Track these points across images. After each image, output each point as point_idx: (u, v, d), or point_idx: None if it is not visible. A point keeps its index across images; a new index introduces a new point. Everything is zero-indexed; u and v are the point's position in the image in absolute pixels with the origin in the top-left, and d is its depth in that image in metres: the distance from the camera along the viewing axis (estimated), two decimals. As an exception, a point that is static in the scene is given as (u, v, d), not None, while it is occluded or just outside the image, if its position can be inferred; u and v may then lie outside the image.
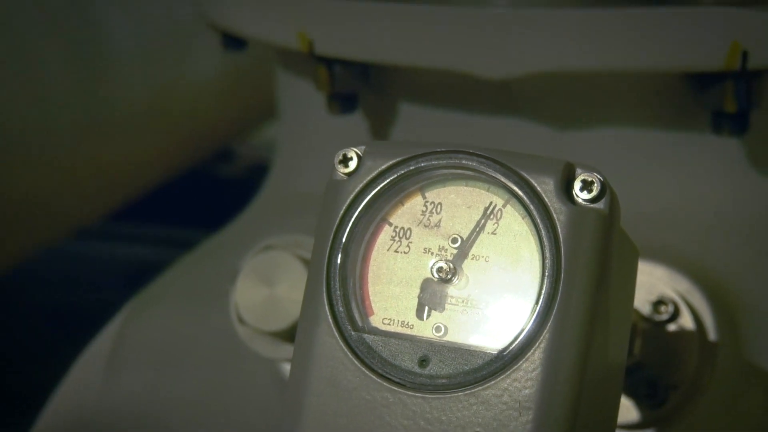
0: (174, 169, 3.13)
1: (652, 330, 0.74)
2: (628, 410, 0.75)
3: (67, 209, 2.80)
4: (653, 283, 0.75)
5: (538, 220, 0.53)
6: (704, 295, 0.76)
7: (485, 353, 0.53)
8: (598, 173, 0.52)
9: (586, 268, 0.52)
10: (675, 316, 0.75)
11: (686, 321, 0.75)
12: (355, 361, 0.54)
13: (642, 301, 0.75)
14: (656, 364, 0.74)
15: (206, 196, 3.35)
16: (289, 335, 0.73)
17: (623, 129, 0.83)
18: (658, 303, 0.75)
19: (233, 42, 0.96)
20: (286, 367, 0.79)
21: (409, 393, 0.53)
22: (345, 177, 0.57)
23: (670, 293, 0.75)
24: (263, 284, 0.73)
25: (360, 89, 0.87)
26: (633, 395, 0.74)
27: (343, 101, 0.86)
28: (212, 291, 0.85)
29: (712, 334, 0.75)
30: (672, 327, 0.75)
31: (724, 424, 0.76)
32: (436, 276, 0.55)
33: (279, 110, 1.02)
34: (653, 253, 0.76)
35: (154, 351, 0.93)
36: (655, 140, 0.83)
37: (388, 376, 0.54)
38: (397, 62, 0.83)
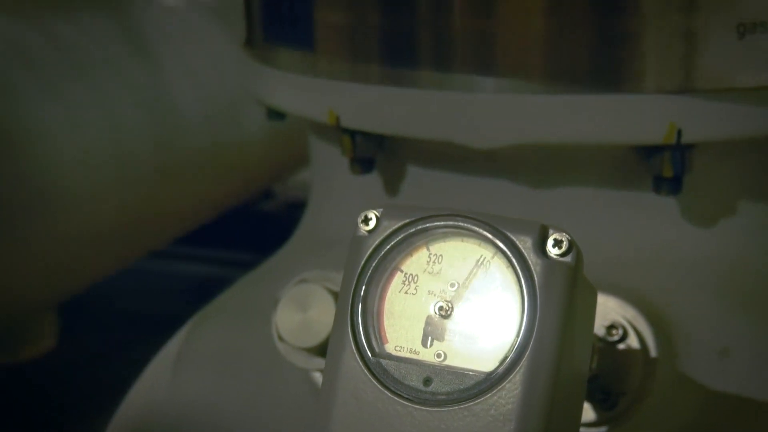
0: (228, 204, 3.14)
1: (605, 348, 0.74)
2: (586, 412, 0.73)
3: (149, 233, 2.81)
4: (607, 311, 0.75)
5: (519, 271, 0.53)
6: (646, 321, 0.76)
7: (476, 375, 0.53)
8: (567, 233, 0.53)
9: (556, 309, 0.52)
10: (624, 337, 0.75)
11: (632, 341, 0.75)
12: (373, 380, 0.54)
13: (598, 326, 0.74)
14: (609, 375, 0.74)
15: (252, 226, 3.38)
16: (318, 350, 0.73)
17: (584, 189, 0.82)
18: (611, 327, 0.75)
19: (275, 114, 0.96)
20: (316, 375, 0.80)
21: (416, 407, 0.53)
22: (366, 233, 0.57)
23: (620, 319, 0.75)
24: (298, 310, 0.74)
25: (376, 154, 0.86)
26: (590, 400, 0.73)
27: (362, 164, 0.86)
28: (258, 313, 0.85)
29: (652, 352, 0.75)
30: (621, 346, 0.75)
31: (663, 422, 0.76)
32: (438, 313, 0.55)
33: (311, 167, 1.01)
34: (607, 288, 0.75)
35: (211, 357, 0.93)
36: (609, 198, 0.82)
37: (399, 392, 0.53)
38: (406, 134, 0.83)
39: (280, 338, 0.76)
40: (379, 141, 0.85)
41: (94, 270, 2.66)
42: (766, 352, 0.79)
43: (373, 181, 0.89)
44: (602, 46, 0.76)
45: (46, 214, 2.31)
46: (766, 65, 0.76)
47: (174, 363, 0.94)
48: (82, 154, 2.38)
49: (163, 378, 0.95)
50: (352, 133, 0.84)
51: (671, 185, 0.77)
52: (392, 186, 0.89)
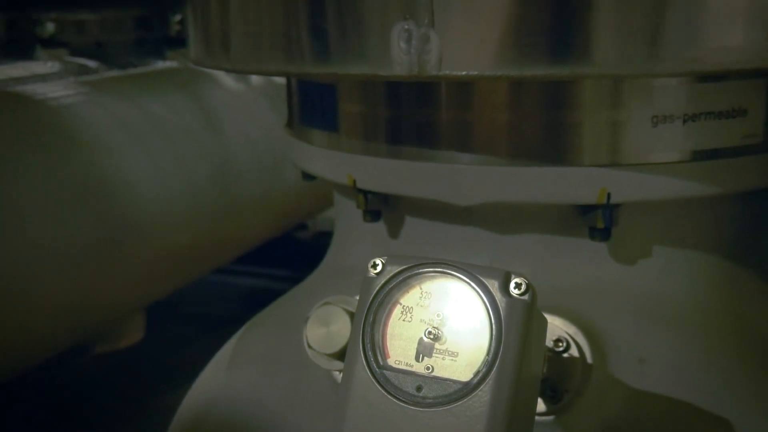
0: (272, 233, 3.14)
1: (553, 357, 0.72)
2: (538, 405, 0.72)
3: (213, 255, 2.80)
4: (554, 328, 0.73)
5: (489, 306, 0.52)
6: (584, 336, 0.74)
7: (456, 384, 0.52)
8: (525, 278, 0.52)
9: (517, 334, 0.51)
10: (567, 348, 0.73)
11: (573, 351, 0.73)
12: (378, 386, 0.53)
13: (548, 340, 0.73)
14: (556, 377, 0.72)
15: (290, 250, 3.39)
16: (337, 356, 0.71)
17: (538, 235, 0.81)
18: (557, 341, 0.73)
19: (308, 176, 0.95)
20: (335, 374, 0.78)
21: (410, 407, 0.52)
22: (374, 275, 0.56)
23: (564, 335, 0.74)
24: (323, 325, 0.72)
25: (382, 208, 0.85)
26: (541, 396, 0.72)
27: (372, 214, 0.85)
28: (293, 326, 0.83)
29: (588, 359, 0.73)
30: (565, 355, 0.73)
31: (596, 412, 0.74)
32: (427, 336, 0.54)
33: (335, 213, 1.00)
34: (555, 311, 0.74)
35: (257, 359, 0.91)
36: (557, 243, 0.81)
37: (397, 396, 0.53)
38: (404, 194, 0.82)
39: (309, 346, 0.75)
40: (384, 198, 0.84)
41: (172, 282, 2.66)
42: (672, 361, 0.77)
43: (380, 227, 0.87)
44: (551, 132, 0.75)
45: (139, 242, 2.32)
46: (673, 146, 0.75)
47: (228, 363, 0.92)
48: (165, 197, 2.39)
49: (219, 375, 0.93)
50: (365, 193, 0.83)
51: (602, 234, 0.76)
52: (394, 231, 0.87)
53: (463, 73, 0.64)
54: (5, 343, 2.05)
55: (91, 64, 2.93)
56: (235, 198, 2.67)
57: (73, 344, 2.47)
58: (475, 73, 0.65)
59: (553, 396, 0.72)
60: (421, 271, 0.55)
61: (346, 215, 0.94)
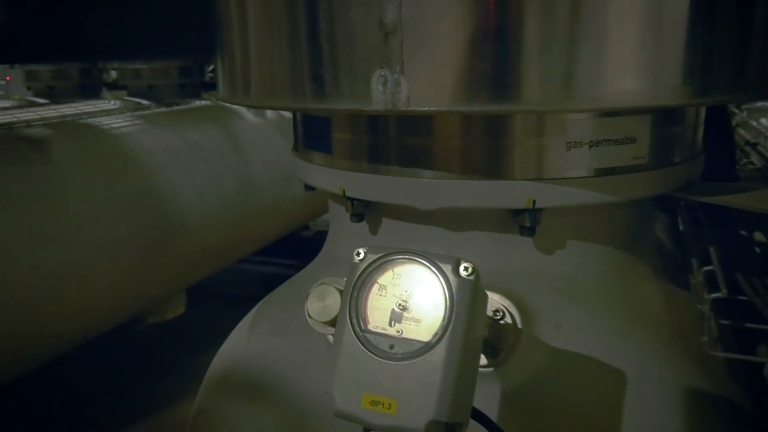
0: (283, 233, 3.11)
1: (492, 323, 0.72)
2: (481, 360, 0.71)
3: (237, 250, 2.77)
4: (493, 302, 0.72)
5: (444, 284, 0.52)
6: (516, 307, 0.74)
7: (420, 343, 0.51)
8: (471, 263, 0.51)
9: (465, 306, 0.51)
10: (503, 317, 0.72)
11: (508, 319, 0.73)
12: (361, 346, 0.52)
13: (489, 309, 0.72)
14: (494, 338, 0.72)
15: (297, 245, 3.36)
16: (331, 323, 0.70)
17: (482, 232, 0.81)
18: (496, 311, 0.72)
19: (310, 187, 0.94)
20: (329, 337, 0.76)
21: (385, 361, 0.51)
22: (358, 261, 0.55)
23: (501, 306, 0.73)
24: (320, 300, 0.71)
25: (365, 211, 0.85)
26: (483, 353, 0.71)
27: (357, 216, 0.84)
28: (298, 301, 0.81)
29: (519, 325, 0.73)
30: (502, 322, 0.72)
31: (525, 365, 0.73)
32: (398, 307, 0.53)
33: (329, 216, 0.98)
34: (495, 289, 0.73)
35: (271, 326, 0.90)
36: (496, 238, 0.80)
37: (374, 353, 0.52)
38: (382, 201, 0.82)
39: (309, 316, 0.74)
40: (366, 204, 0.84)
41: (207, 269, 2.63)
42: (580, 326, 0.77)
43: (363, 226, 0.87)
44: (492, 154, 0.75)
45: (180, 239, 2.30)
46: (582, 165, 0.75)
47: (248, 329, 0.91)
48: (201, 205, 2.37)
49: (241, 339, 0.92)
50: (352, 200, 0.83)
51: (529, 231, 0.76)
52: (374, 229, 0.87)
53: (425, 108, 0.65)
54: (83, 315, 2.04)
55: (145, 102, 2.90)
56: (254, 205, 2.65)
57: (132, 316, 2.45)
58: (435, 108, 0.65)
59: (492, 353, 0.72)
60: (393, 258, 0.54)
61: (337, 217, 0.93)
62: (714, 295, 0.77)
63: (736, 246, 1.03)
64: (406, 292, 0.53)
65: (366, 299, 0.54)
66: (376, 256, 0.54)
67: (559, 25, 0.62)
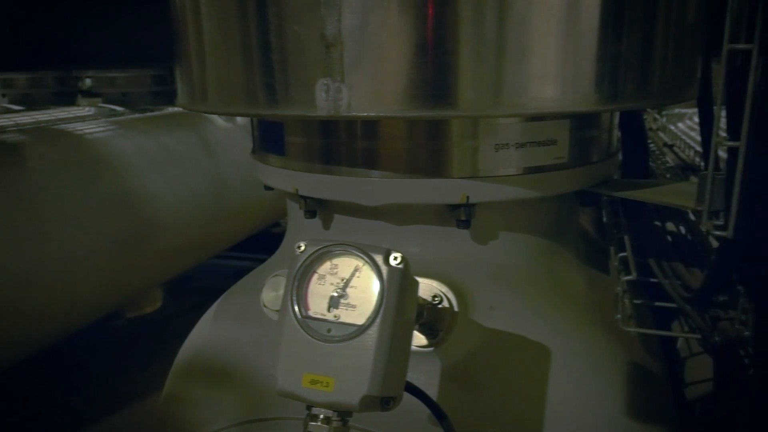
0: (254, 229, 3.08)
1: (431, 307, 0.73)
2: (421, 340, 0.73)
3: (211, 246, 2.74)
4: (432, 288, 0.74)
5: (376, 272, 0.52)
6: (453, 292, 0.75)
7: (354, 326, 0.52)
8: (401, 253, 0.52)
9: (395, 292, 0.52)
10: (441, 301, 0.74)
11: (445, 303, 0.74)
12: (301, 329, 0.53)
13: (428, 295, 0.74)
14: (433, 320, 0.73)
15: (267, 241, 3.32)
16: None
17: (424, 225, 0.82)
18: (434, 296, 0.74)
19: (268, 187, 0.93)
20: None
21: (323, 344, 0.52)
22: (299, 253, 0.56)
23: (439, 292, 0.74)
24: (273, 290, 0.72)
25: (317, 208, 0.85)
26: (423, 333, 0.73)
27: (310, 213, 0.85)
28: (256, 292, 0.82)
29: (455, 308, 0.75)
30: (440, 306, 0.74)
31: (461, 344, 0.75)
32: (336, 294, 0.54)
33: (288, 213, 0.97)
34: (434, 276, 0.75)
35: (232, 315, 0.89)
36: (436, 231, 0.81)
37: (313, 336, 0.52)
38: (332, 198, 0.82)
39: (264, 305, 0.74)
40: (319, 201, 0.84)
41: (182, 266, 2.59)
42: (511, 308, 0.79)
43: (316, 222, 0.87)
44: (432, 155, 0.77)
45: (155, 237, 2.26)
46: (509, 165, 0.77)
47: (212, 319, 0.91)
48: (175, 205, 2.33)
49: (205, 328, 0.91)
50: (305, 198, 0.83)
51: (464, 224, 0.78)
52: (327, 225, 0.87)
53: (365, 114, 0.66)
54: (64, 311, 1.99)
55: (119, 109, 2.83)
56: (226, 205, 2.62)
57: (110, 311, 2.39)
58: (374, 114, 0.66)
59: (431, 334, 0.73)
60: (331, 249, 0.55)
61: (293, 214, 0.94)
62: (626, 277, 0.80)
63: (650, 235, 1.07)
64: (343, 280, 0.54)
65: (306, 287, 0.55)
66: (314, 249, 0.55)
67: (487, 40, 0.64)
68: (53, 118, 2.43)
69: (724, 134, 0.68)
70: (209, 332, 0.90)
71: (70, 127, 2.27)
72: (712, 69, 0.84)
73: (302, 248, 0.56)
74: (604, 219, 1.13)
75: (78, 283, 1.99)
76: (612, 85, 0.69)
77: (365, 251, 0.53)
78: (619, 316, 0.81)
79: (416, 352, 0.72)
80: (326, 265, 0.55)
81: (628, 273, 0.84)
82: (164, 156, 2.38)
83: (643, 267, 0.99)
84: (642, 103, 0.75)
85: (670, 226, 1.15)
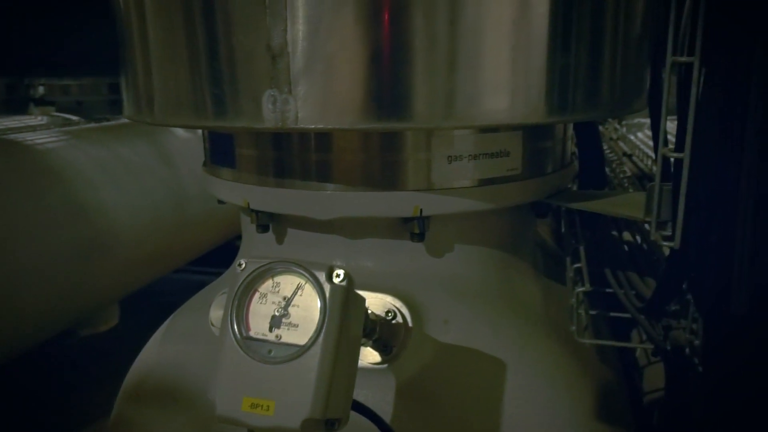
0: (216, 242, 3.02)
1: (385, 323, 0.72)
2: (374, 356, 0.72)
3: (170, 260, 2.68)
4: (386, 303, 0.73)
5: (318, 291, 0.52)
6: (407, 307, 0.75)
7: (296, 347, 0.51)
8: (344, 269, 0.51)
9: (337, 310, 0.51)
10: (395, 317, 0.73)
11: (399, 318, 0.74)
12: (241, 351, 0.52)
13: (382, 310, 0.73)
14: (387, 336, 0.72)
15: (230, 254, 3.28)
16: None
17: (378, 239, 0.81)
18: (388, 311, 0.73)
19: (220, 201, 0.91)
20: None
21: (263, 365, 0.51)
22: (239, 272, 0.54)
23: (393, 307, 0.74)
24: (221, 308, 0.69)
25: (271, 222, 0.84)
26: (376, 349, 0.72)
27: (262, 228, 0.83)
28: (205, 310, 0.80)
29: (410, 324, 0.74)
30: (393, 321, 0.73)
31: (416, 359, 0.74)
32: (277, 313, 0.53)
33: (241, 226, 0.96)
34: (388, 290, 0.74)
35: (181, 335, 0.87)
36: (390, 244, 0.81)
37: (254, 358, 0.51)
38: (284, 212, 0.81)
39: (212, 324, 0.73)
40: (271, 215, 0.83)
41: (140, 281, 2.52)
42: (466, 321, 0.79)
43: (270, 236, 0.86)
44: (383, 167, 0.76)
45: (110, 251, 2.19)
46: (463, 177, 0.77)
47: (161, 339, 0.88)
48: (131, 217, 2.27)
49: (154, 348, 0.89)
50: (256, 212, 0.82)
51: (418, 237, 0.78)
52: (280, 239, 0.86)
53: (312, 126, 0.65)
54: (10, 330, 1.91)
55: (73, 118, 2.75)
56: (187, 216, 2.56)
57: (62, 329, 2.31)
58: (322, 126, 0.65)
59: (384, 350, 0.72)
60: (272, 267, 0.54)
61: (247, 228, 0.92)
62: (579, 289, 0.81)
63: (606, 244, 1.09)
64: (285, 299, 0.53)
65: (247, 307, 0.53)
66: (255, 266, 0.54)
67: (438, 52, 0.64)
68: (2, 127, 2.34)
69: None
70: (158, 353, 0.87)
71: (19, 137, 2.20)
72: (662, 79, 0.86)
73: (243, 266, 0.54)
74: (563, 229, 1.15)
75: (26, 300, 1.91)
76: (562, 97, 0.71)
77: (307, 269, 0.52)
78: (573, 328, 0.82)
79: (369, 369, 0.71)
80: (268, 284, 0.54)
81: (583, 284, 0.85)
82: (120, 167, 2.32)
83: (600, 276, 1.00)
84: (592, 115, 0.77)
85: (626, 235, 1.17)
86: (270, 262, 0.54)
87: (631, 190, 1.45)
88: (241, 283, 0.54)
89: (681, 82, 0.70)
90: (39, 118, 2.68)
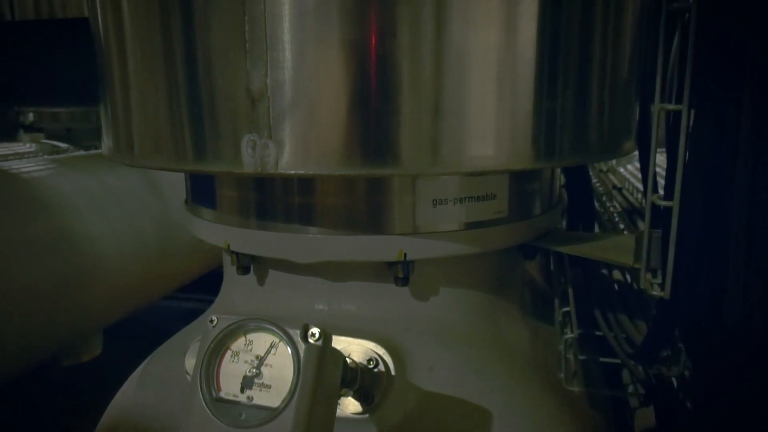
0: (202, 270, 2.98)
1: (366, 371, 0.69)
2: (355, 406, 0.69)
3: (156, 288, 2.64)
4: (368, 351, 0.71)
5: (292, 350, 0.49)
6: (390, 355, 0.72)
7: (269, 409, 0.49)
8: (320, 328, 0.49)
9: (312, 370, 0.49)
10: (377, 365, 0.71)
11: (381, 367, 0.71)
12: (210, 413, 0.49)
13: (364, 358, 0.70)
14: (368, 385, 0.69)
15: (218, 281, 3.23)
16: None
17: (361, 282, 0.79)
18: (369, 360, 0.71)
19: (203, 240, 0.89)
20: None
21: (234, 429, 0.48)
22: (212, 328, 0.52)
23: (375, 355, 0.71)
24: (194, 356, 0.67)
25: (252, 263, 0.82)
26: (358, 399, 0.69)
27: (243, 269, 0.81)
28: (180, 355, 0.77)
29: (393, 372, 0.71)
30: (375, 370, 0.71)
31: (398, 409, 0.71)
32: (249, 373, 0.51)
33: (223, 265, 0.93)
34: (370, 336, 0.71)
35: (156, 380, 0.84)
36: (373, 287, 0.79)
37: (224, 422, 0.49)
38: (265, 255, 0.79)
39: (187, 372, 0.70)
40: (252, 257, 0.81)
41: (125, 309, 2.47)
42: (452, 368, 0.77)
43: (251, 277, 0.84)
44: (370, 210, 0.75)
45: (94, 279, 2.15)
46: (448, 221, 0.76)
47: (137, 383, 0.85)
48: (116, 246, 2.24)
49: (129, 392, 0.86)
50: (237, 254, 0.80)
51: (403, 281, 0.76)
52: (261, 280, 0.84)
53: (292, 172, 0.63)
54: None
55: (62, 145, 2.73)
56: (173, 244, 2.53)
57: (44, 359, 2.25)
58: (302, 172, 0.64)
59: (366, 400, 0.69)
60: (245, 324, 0.51)
61: (227, 268, 0.90)
62: (567, 336, 0.79)
63: (596, 284, 1.07)
64: (258, 358, 0.51)
65: (218, 366, 0.51)
66: (227, 323, 0.52)
67: (423, 98, 0.63)
68: (-11, 154, 2.32)
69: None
70: (133, 397, 0.84)
71: (6, 164, 2.17)
72: (650, 121, 0.85)
73: (215, 323, 0.52)
74: (551, 266, 1.13)
75: (8, 329, 1.87)
76: (549, 142, 0.69)
77: (281, 326, 0.50)
78: (562, 375, 0.79)
79: (350, 420, 0.69)
80: (240, 341, 0.51)
81: (572, 329, 0.83)
82: (105, 195, 2.29)
83: (589, 317, 0.98)
84: (580, 159, 0.75)
85: (616, 274, 1.16)
86: (242, 319, 0.51)
87: (621, 225, 1.44)
88: (212, 341, 0.51)
89: (669, 127, 0.69)
90: (28, 145, 2.66)
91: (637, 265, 0.71)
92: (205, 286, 3.19)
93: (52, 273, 2.02)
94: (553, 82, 0.68)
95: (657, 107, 0.66)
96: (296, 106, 0.62)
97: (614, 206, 1.52)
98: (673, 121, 0.66)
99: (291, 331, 0.50)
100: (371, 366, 0.71)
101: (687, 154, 0.66)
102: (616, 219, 1.44)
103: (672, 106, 0.65)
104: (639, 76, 0.81)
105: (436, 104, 0.63)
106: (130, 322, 2.69)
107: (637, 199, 1.69)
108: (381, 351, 0.72)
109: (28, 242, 1.97)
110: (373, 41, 0.61)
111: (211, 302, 1.10)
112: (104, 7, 0.73)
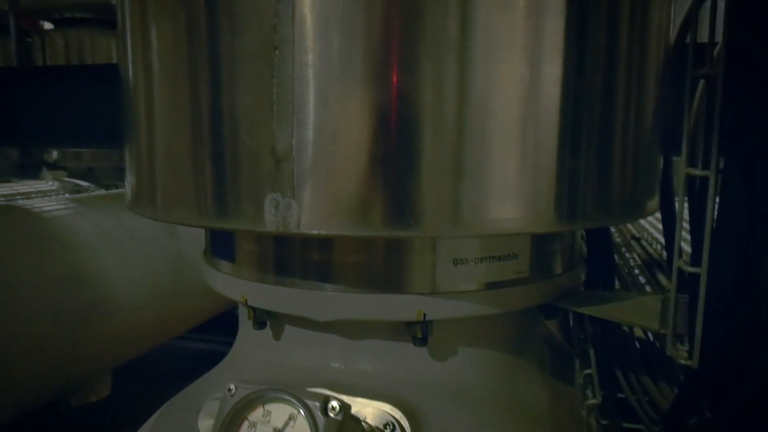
0: (216, 311, 2.97)
1: None
2: (373, 475, 0.67)
3: (169, 328, 2.62)
4: (385, 415, 0.69)
5: (311, 423, 0.48)
6: (406, 418, 0.70)
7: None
8: (339, 401, 0.48)
9: None
10: (393, 429, 0.68)
11: (398, 431, 0.68)
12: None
13: (380, 423, 0.68)
14: (387, 450, 0.67)
15: (230, 322, 3.20)
16: None
17: (379, 341, 0.78)
18: (386, 424, 0.68)
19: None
20: None
21: None
22: (230, 396, 0.51)
23: (391, 419, 0.69)
24: (210, 417, 0.64)
25: (268, 318, 0.81)
26: (375, 467, 0.67)
27: (259, 324, 0.80)
28: (194, 411, 0.74)
29: (410, 438, 0.69)
30: None
31: None
32: (267, 447, 0.48)
33: (239, 317, 0.91)
34: (386, 399, 0.69)
35: None
36: (392, 346, 0.77)
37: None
38: (282, 311, 0.78)
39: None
40: (269, 312, 0.79)
41: (136, 349, 2.46)
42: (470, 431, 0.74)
43: (267, 332, 0.82)
44: (389, 269, 0.73)
45: (107, 319, 2.15)
46: (468, 281, 0.74)
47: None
48: (130, 287, 2.24)
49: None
50: (254, 309, 0.79)
51: (421, 342, 0.74)
52: (277, 335, 0.82)
53: (315, 232, 0.63)
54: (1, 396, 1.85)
55: (84, 184, 2.77)
56: (187, 284, 2.53)
57: (52, 399, 2.22)
58: (324, 232, 0.63)
59: (384, 464, 0.67)
60: (263, 394, 0.50)
61: (244, 321, 0.88)
62: (590, 401, 0.77)
63: (616, 340, 1.04)
64: (275, 430, 0.49)
65: (237, 438, 0.49)
66: (246, 392, 0.50)
67: (445, 160, 0.62)
68: (13, 192, 2.36)
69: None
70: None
71: (28, 203, 2.20)
72: (672, 186, 0.84)
73: (233, 391, 0.50)
74: (571, 323, 1.11)
75: (15, 368, 1.85)
76: (571, 205, 0.69)
77: (301, 399, 0.49)
78: (585, 442, 0.76)
79: (366, 488, 0.66)
80: (258, 411, 0.50)
81: (593, 391, 0.81)
82: (122, 234, 2.31)
83: (610, 375, 0.95)
84: (603, 221, 0.74)
85: (637, 331, 1.13)
86: (261, 389, 0.50)
87: (641, 278, 1.41)
88: (230, 411, 0.50)
89: (692, 192, 0.68)
90: (50, 183, 2.71)
91: (663, 330, 0.69)
92: (214, 327, 3.19)
93: (66, 312, 2.02)
94: (576, 143, 0.67)
95: (683, 171, 0.66)
96: (320, 167, 0.62)
97: (633, 258, 1.50)
98: (700, 186, 0.65)
99: (311, 404, 0.48)
100: (387, 431, 0.68)
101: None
102: (636, 272, 1.41)
103: (699, 172, 0.64)
104: (662, 135, 0.81)
105: (458, 167, 0.63)
106: (138, 362, 2.66)
107: (656, 250, 1.66)
108: (398, 415, 0.70)
109: (44, 280, 1.98)
110: (394, 104, 0.61)
111: (219, 343, 1.09)
112: (135, 60, 0.75)
